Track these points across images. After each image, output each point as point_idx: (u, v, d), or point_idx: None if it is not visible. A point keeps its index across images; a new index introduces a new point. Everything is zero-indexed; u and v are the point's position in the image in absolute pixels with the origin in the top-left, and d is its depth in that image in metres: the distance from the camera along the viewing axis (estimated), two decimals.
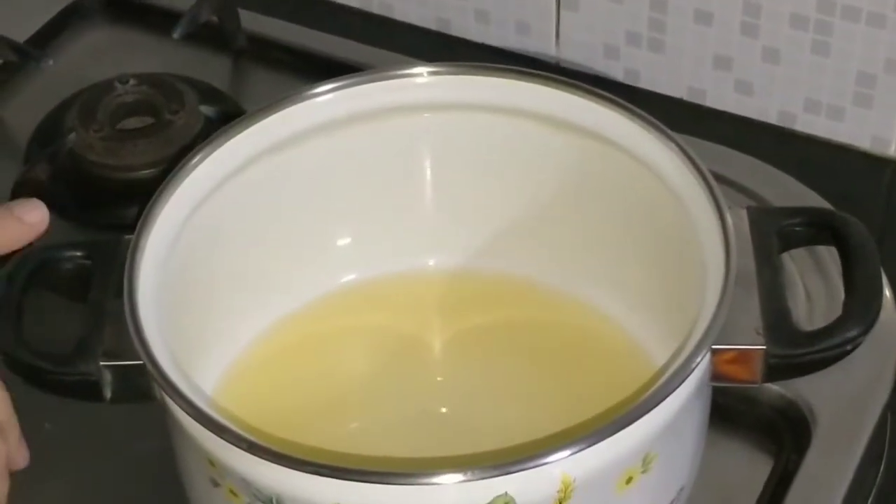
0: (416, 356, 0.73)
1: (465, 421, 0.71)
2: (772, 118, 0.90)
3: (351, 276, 0.75)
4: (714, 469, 0.69)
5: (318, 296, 0.74)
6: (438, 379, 0.74)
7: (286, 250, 0.72)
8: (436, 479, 0.57)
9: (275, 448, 0.58)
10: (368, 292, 0.74)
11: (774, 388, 0.73)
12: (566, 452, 0.57)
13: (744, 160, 0.83)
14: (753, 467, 0.72)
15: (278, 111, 0.70)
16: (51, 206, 0.83)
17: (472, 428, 0.70)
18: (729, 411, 0.72)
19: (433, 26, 0.96)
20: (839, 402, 0.73)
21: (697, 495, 0.67)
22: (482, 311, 0.74)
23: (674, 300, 0.68)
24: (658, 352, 0.68)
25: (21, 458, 0.70)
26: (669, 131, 0.68)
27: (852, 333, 0.62)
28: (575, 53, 0.93)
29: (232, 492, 0.61)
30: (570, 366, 0.72)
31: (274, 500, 0.60)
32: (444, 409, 0.72)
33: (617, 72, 0.93)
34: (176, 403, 0.61)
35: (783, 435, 0.73)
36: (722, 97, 0.91)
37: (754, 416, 0.73)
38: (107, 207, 0.85)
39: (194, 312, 0.68)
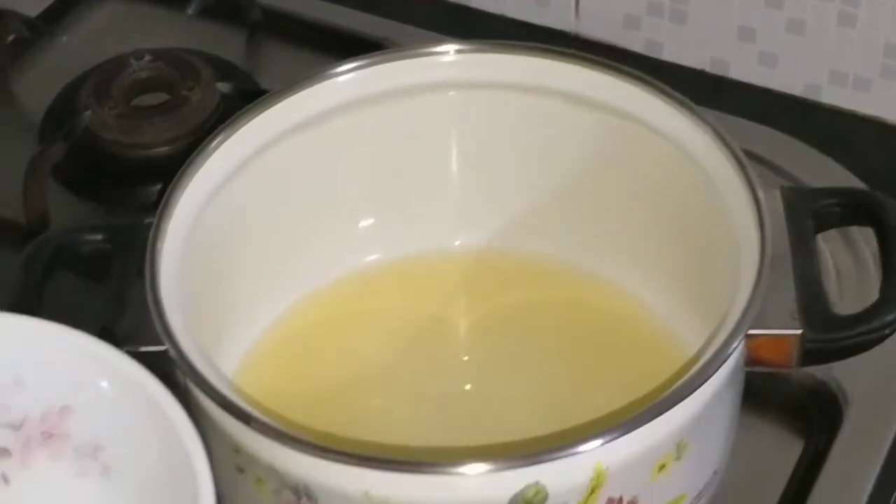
0: (440, 337, 0.72)
1: (490, 403, 0.70)
2: (797, 90, 0.88)
3: (374, 256, 0.74)
4: (743, 451, 0.68)
5: (341, 276, 0.72)
6: (464, 358, 0.73)
7: (309, 231, 0.71)
8: (467, 469, 0.56)
9: (304, 437, 0.58)
10: (392, 273, 0.73)
11: (805, 368, 0.72)
12: (600, 441, 0.57)
13: (771, 135, 0.82)
14: (783, 449, 0.71)
15: (300, 91, 0.69)
16: (66, 185, 0.83)
17: (496, 410, 0.69)
18: (758, 393, 0.70)
19: None
20: (870, 383, 0.72)
21: (726, 477, 0.66)
22: (508, 293, 0.73)
23: (705, 282, 0.66)
24: (689, 335, 0.66)
25: None
26: (700, 110, 0.67)
27: (890, 317, 0.61)
28: (594, 24, 0.92)
29: (258, 479, 0.60)
30: (597, 348, 0.70)
31: (301, 488, 0.59)
32: (468, 389, 0.71)
33: (637, 43, 0.91)
34: (201, 390, 0.60)
35: (813, 416, 0.72)
36: (746, 69, 0.89)
37: (784, 398, 0.72)
38: (123, 186, 0.84)
39: (216, 295, 0.67)
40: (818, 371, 0.72)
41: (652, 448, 0.59)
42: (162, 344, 0.61)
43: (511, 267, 0.73)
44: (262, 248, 0.70)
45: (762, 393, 0.71)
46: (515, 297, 0.73)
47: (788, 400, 0.73)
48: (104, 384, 0.62)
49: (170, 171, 0.67)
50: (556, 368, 0.71)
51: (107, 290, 0.65)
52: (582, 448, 0.56)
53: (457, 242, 0.74)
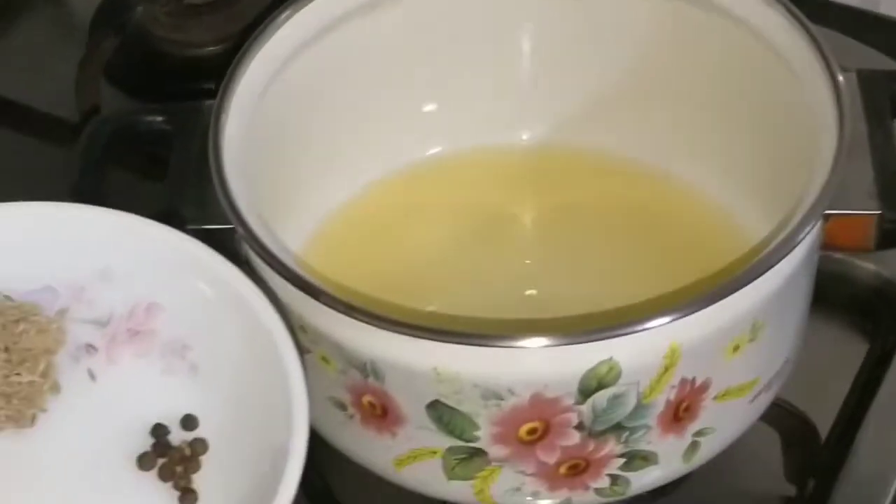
0: (504, 231, 0.71)
1: (556, 297, 0.69)
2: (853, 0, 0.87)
3: (439, 147, 0.72)
4: (811, 349, 0.67)
5: (405, 165, 0.71)
6: (527, 262, 0.72)
7: (372, 115, 0.70)
8: (540, 342, 0.55)
9: (374, 310, 0.57)
10: (457, 164, 0.72)
11: (870, 266, 0.71)
12: (676, 316, 0.55)
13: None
14: (849, 348, 0.70)
15: None
16: (118, 84, 0.82)
17: (562, 301, 0.67)
18: (823, 291, 0.69)
19: None
20: None
21: (794, 373, 0.65)
22: (575, 188, 0.72)
23: (776, 172, 0.65)
24: (760, 230, 0.65)
25: None
26: None
27: None
28: None
29: (324, 358, 0.59)
30: (665, 243, 0.69)
31: (368, 366, 0.58)
32: (533, 282, 0.70)
33: None
34: (268, 265, 0.59)
35: (880, 314, 0.71)
36: None
37: (849, 296, 0.71)
38: (174, 84, 0.83)
39: (280, 177, 0.66)
40: (884, 269, 0.71)
41: (727, 327, 0.58)
42: (227, 222, 0.60)
43: (578, 162, 0.72)
44: (326, 131, 0.69)
45: (827, 292, 0.70)
46: (581, 193, 0.72)
47: (854, 299, 0.72)
48: (193, 282, 0.60)
49: (221, 69, 0.65)
50: (622, 265, 0.69)
51: (169, 171, 0.65)
52: (657, 322, 0.55)
53: (524, 136, 0.73)
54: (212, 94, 0.64)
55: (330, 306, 0.57)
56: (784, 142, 0.64)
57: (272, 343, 0.58)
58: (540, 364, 0.57)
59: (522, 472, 0.60)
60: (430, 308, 0.69)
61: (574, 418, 0.58)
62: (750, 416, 0.63)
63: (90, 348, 0.62)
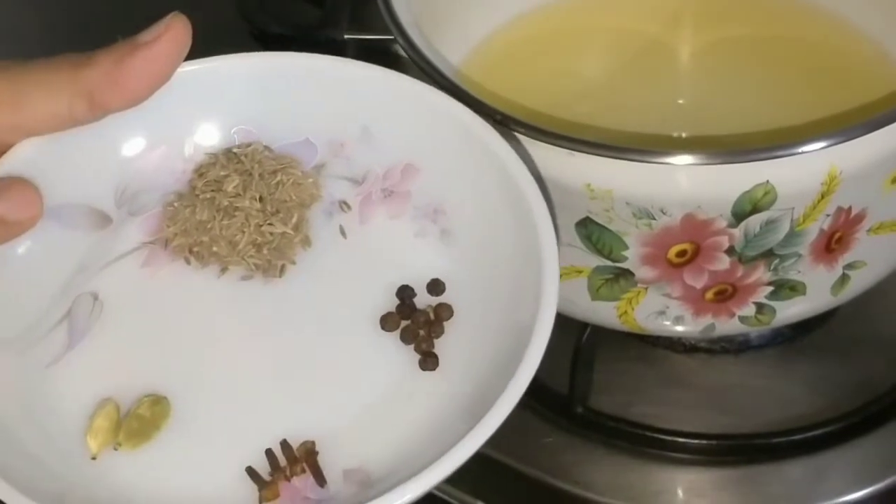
0: (659, 62, 0.71)
1: (710, 126, 0.68)
2: None
3: None
4: None
5: None
6: (680, 101, 0.71)
7: None
8: (694, 159, 0.55)
9: (529, 121, 0.56)
10: None
11: None
12: (835, 140, 0.55)
13: None
14: None
15: None
16: None
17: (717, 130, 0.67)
18: None
19: None
20: None
21: None
22: (732, 22, 0.71)
23: None
24: None
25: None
26: None
27: None
28: None
29: None
30: (822, 78, 0.68)
31: None
32: (687, 110, 0.69)
33: None
34: (427, 74, 0.59)
35: None
36: None
37: None
38: None
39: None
40: None
41: (888, 156, 0.57)
42: (385, 33, 0.61)
43: None
44: None
45: None
46: (738, 29, 0.71)
47: None
48: (453, 144, 0.58)
49: None
50: (777, 103, 0.68)
51: None
52: (817, 146, 0.54)
53: None
54: None
55: (484, 115, 0.56)
56: None
57: (530, 218, 0.55)
58: (694, 184, 0.56)
59: (668, 296, 0.60)
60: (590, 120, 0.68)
61: (725, 242, 0.57)
62: None
63: (344, 205, 0.61)
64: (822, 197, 0.57)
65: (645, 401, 0.67)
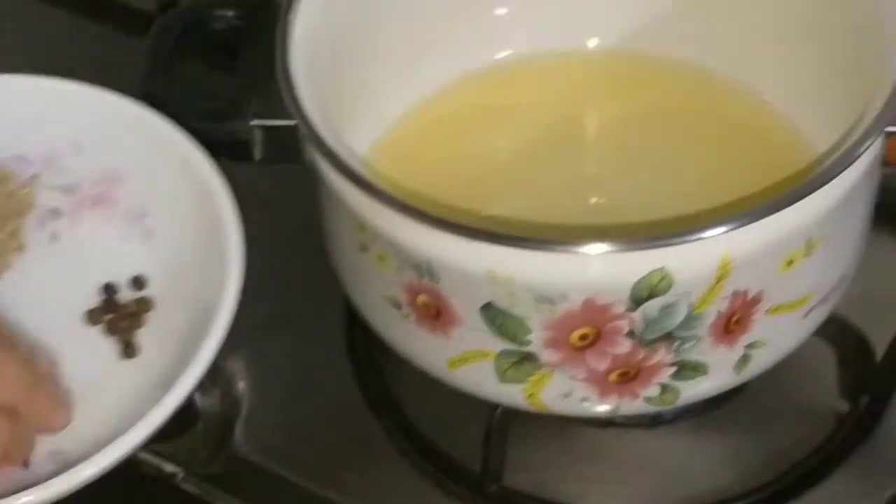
0: (570, 136, 0.71)
1: (616, 207, 0.69)
2: None
3: (508, 51, 0.72)
4: (870, 266, 0.66)
5: (473, 69, 0.72)
6: (592, 170, 0.71)
7: (442, 17, 0.70)
8: (592, 248, 0.56)
9: (429, 211, 0.57)
10: (525, 68, 0.72)
11: None
12: (729, 227, 0.55)
13: None
14: None
15: None
16: None
17: (623, 209, 0.68)
18: (887, 209, 0.69)
19: None
20: None
21: (851, 291, 0.65)
22: (640, 95, 0.72)
23: (842, 87, 0.64)
24: (822, 144, 0.65)
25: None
26: None
27: None
28: None
29: (380, 257, 0.60)
30: (729, 154, 0.69)
31: (424, 266, 0.59)
32: (595, 199, 0.69)
33: None
34: (329, 162, 0.59)
35: None
36: None
37: None
38: None
39: (348, 78, 0.66)
40: None
41: (781, 240, 0.57)
42: (292, 118, 0.61)
43: (644, 70, 0.72)
44: (396, 33, 0.69)
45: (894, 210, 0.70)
46: (646, 101, 0.72)
47: None
48: (154, 154, 0.66)
49: None
50: (684, 174, 0.69)
51: (239, 66, 0.65)
52: (710, 233, 0.55)
53: (592, 42, 0.73)
54: None
55: (386, 204, 0.57)
56: (850, 55, 0.64)
57: (221, 221, 0.63)
58: (592, 270, 0.57)
59: (573, 378, 0.60)
60: (494, 212, 0.69)
61: (625, 325, 0.58)
62: (803, 330, 0.63)
63: (56, 212, 0.69)
64: (718, 281, 0.57)
65: (561, 478, 0.67)
